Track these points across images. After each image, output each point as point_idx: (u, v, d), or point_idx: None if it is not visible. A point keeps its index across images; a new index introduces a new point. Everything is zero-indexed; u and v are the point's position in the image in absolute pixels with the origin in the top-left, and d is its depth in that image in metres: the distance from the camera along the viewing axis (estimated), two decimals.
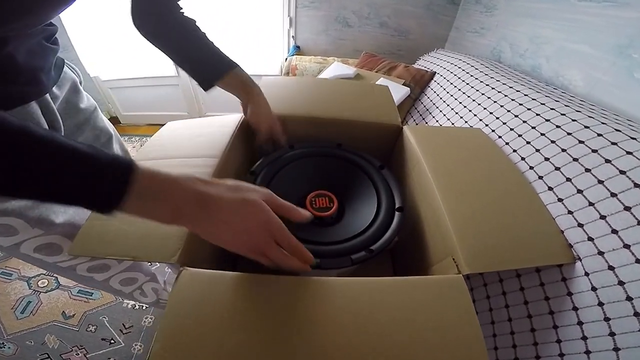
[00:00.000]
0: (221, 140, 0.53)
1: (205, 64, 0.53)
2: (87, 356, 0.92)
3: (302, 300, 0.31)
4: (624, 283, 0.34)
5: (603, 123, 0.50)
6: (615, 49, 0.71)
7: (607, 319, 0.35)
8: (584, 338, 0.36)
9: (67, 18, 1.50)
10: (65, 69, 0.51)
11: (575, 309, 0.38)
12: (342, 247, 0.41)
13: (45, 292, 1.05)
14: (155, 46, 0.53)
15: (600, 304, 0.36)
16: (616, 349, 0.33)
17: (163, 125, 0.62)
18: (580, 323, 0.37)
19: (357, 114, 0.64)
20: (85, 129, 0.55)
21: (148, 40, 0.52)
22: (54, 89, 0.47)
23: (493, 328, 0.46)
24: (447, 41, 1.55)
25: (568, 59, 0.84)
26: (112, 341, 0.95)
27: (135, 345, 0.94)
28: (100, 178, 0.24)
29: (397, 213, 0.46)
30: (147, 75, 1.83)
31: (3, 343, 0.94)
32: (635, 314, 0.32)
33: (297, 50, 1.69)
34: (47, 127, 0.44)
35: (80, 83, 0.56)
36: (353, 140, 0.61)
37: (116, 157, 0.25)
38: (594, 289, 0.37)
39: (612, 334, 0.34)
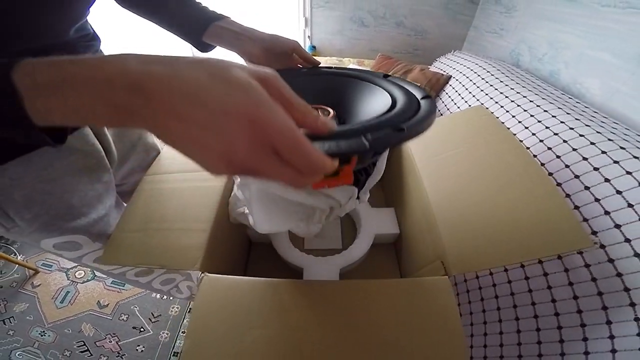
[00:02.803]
0: None
1: (188, 21, 0.47)
2: (119, 343, 1.03)
3: (305, 300, 0.38)
4: None
5: (610, 139, 0.53)
6: (636, 58, 0.71)
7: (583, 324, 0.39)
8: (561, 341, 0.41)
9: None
10: None
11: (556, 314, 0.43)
12: (358, 126, 0.25)
13: (82, 283, 1.18)
14: (135, 13, 0.49)
15: (579, 308, 0.40)
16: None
17: None
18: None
19: None
20: (137, 146, 0.59)
21: (125, 7, 0.48)
22: None
23: (485, 327, 0.52)
24: (465, 40, 1.56)
25: (587, 66, 0.85)
26: (141, 329, 1.05)
27: (163, 333, 1.04)
28: None
29: (423, 101, 0.31)
30: None
31: (44, 331, 1.06)
32: None
33: (313, 50, 1.74)
34: (103, 152, 0.47)
35: None
36: None
37: None
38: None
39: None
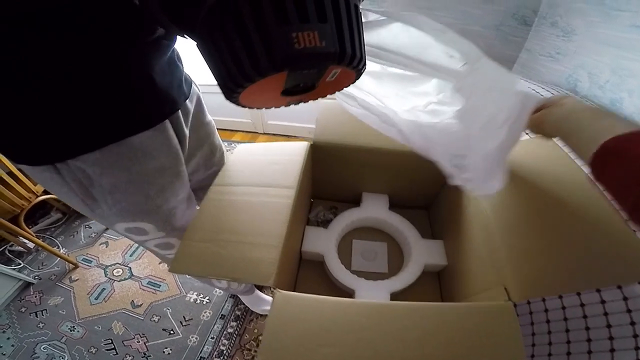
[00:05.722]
0: (294, 170, 0.62)
1: None
2: (147, 344, 1.10)
3: (373, 321, 0.41)
4: None
5: None
6: None
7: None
8: None
9: None
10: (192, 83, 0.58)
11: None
12: None
13: (119, 281, 1.29)
14: None
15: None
16: None
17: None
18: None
19: None
20: (204, 144, 0.65)
21: None
22: (187, 102, 0.54)
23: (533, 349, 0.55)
24: (515, 63, 1.61)
25: None
26: (171, 332, 1.13)
27: (192, 337, 1.12)
28: None
29: None
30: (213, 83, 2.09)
31: (74, 326, 1.16)
32: None
33: None
34: (179, 144, 0.53)
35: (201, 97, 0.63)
36: (405, 170, 0.70)
37: None
38: None
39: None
